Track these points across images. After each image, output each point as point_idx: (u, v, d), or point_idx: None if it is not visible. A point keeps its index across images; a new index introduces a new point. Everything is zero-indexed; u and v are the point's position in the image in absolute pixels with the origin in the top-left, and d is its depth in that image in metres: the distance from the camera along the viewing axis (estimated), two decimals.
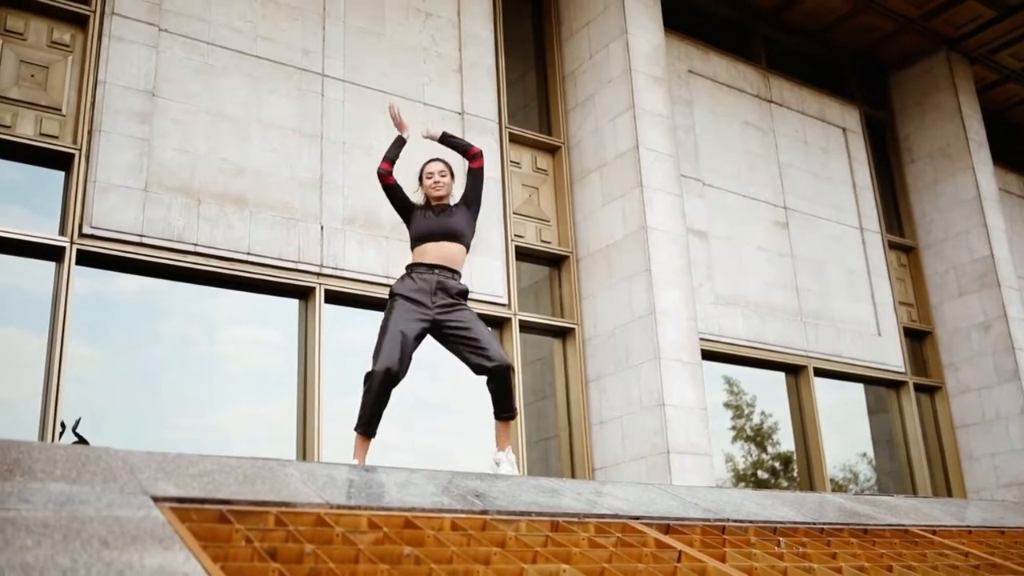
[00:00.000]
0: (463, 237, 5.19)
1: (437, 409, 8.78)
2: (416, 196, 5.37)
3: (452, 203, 5.32)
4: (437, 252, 5.10)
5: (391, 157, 5.34)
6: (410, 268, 5.12)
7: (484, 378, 5.07)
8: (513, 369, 5.07)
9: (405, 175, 5.40)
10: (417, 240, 5.18)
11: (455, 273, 5.11)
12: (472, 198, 5.33)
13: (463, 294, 5.11)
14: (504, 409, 5.12)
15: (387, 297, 5.15)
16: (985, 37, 12.74)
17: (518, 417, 8.54)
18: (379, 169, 5.30)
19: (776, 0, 11.87)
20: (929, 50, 13.02)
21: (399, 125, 5.47)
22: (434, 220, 5.16)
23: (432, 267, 5.06)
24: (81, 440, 6.47)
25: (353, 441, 4.97)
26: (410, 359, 4.94)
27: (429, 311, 4.98)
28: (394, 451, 8.36)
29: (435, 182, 5.24)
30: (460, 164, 5.84)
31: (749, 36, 12.21)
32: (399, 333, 4.88)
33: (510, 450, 5.26)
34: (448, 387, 8.88)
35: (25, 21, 7.24)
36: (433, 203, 5.27)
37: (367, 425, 4.89)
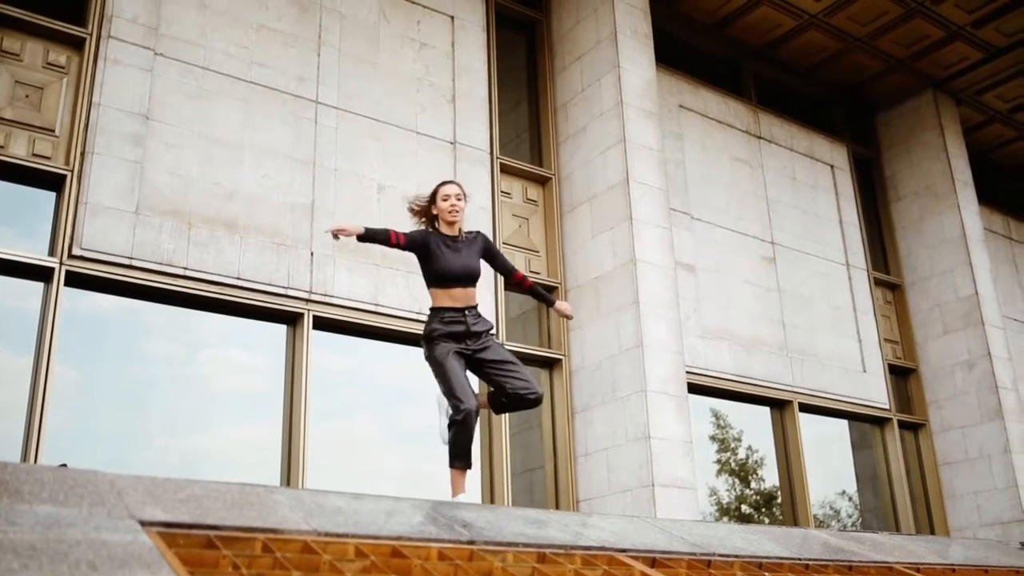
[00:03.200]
0: (479, 276, 5.37)
1: (420, 437, 8.76)
2: (413, 222, 5.45)
3: (463, 229, 5.40)
4: (464, 295, 5.26)
5: (382, 238, 5.30)
6: (438, 311, 5.24)
7: (502, 397, 5.29)
8: (540, 398, 5.31)
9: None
10: (440, 280, 5.25)
11: (476, 308, 5.31)
12: (494, 252, 5.55)
13: (489, 332, 5.31)
14: (503, 407, 5.36)
15: (425, 340, 5.30)
16: (972, 78, 12.92)
17: (503, 447, 8.55)
18: (390, 243, 5.28)
19: (767, 37, 12.02)
20: (917, 90, 13.19)
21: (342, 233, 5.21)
22: (456, 259, 5.25)
23: (460, 310, 5.23)
24: None
25: (449, 477, 5.18)
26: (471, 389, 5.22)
27: (467, 350, 5.21)
28: (377, 478, 8.33)
29: (452, 205, 5.29)
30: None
31: (740, 72, 12.34)
32: (460, 370, 5.14)
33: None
34: (432, 415, 8.86)
35: (21, 42, 7.26)
36: (444, 228, 5.33)
37: (467, 458, 5.16)
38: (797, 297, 11.42)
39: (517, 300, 9.45)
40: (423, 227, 5.44)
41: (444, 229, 5.33)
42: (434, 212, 5.37)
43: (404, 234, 5.31)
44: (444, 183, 5.43)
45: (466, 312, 5.22)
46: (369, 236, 5.23)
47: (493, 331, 5.40)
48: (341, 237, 5.13)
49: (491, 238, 9.15)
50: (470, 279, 5.27)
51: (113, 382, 7.34)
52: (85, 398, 7.12)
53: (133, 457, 7.20)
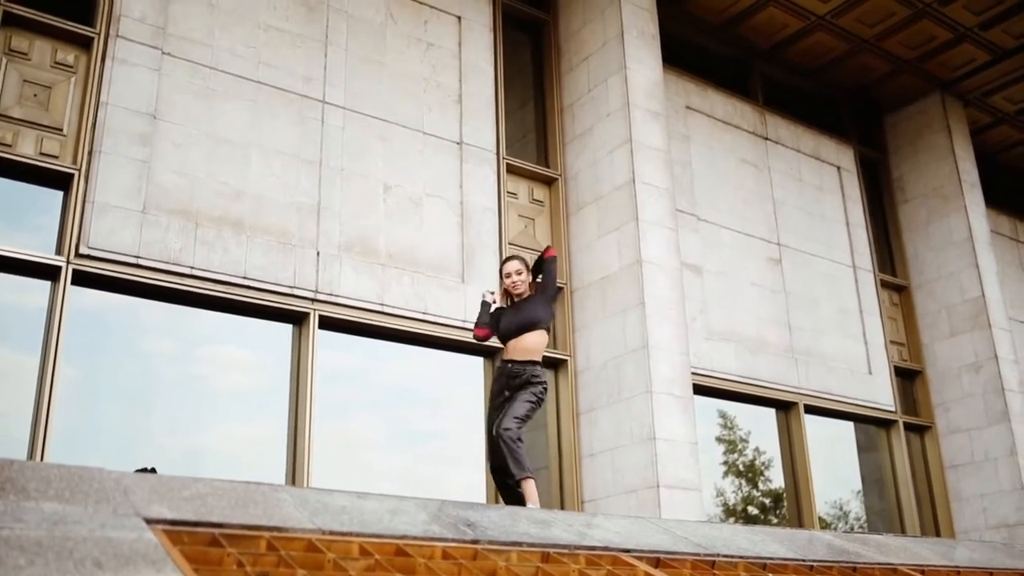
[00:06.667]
0: (541, 323, 6.06)
1: (425, 436, 8.78)
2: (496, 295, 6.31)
3: (532, 292, 6.15)
4: (513, 347, 6.02)
5: (482, 323, 6.17)
6: (501, 359, 6.16)
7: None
8: (503, 439, 5.78)
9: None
10: (502, 337, 6.09)
11: (525, 364, 5.99)
12: (546, 284, 6.19)
13: (528, 383, 5.97)
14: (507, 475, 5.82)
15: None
16: (979, 80, 12.89)
17: None
18: (476, 336, 6.21)
19: (774, 39, 12.00)
20: (924, 91, 13.16)
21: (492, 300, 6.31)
22: (511, 317, 6.07)
23: (506, 362, 6.03)
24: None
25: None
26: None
27: (503, 391, 6.02)
28: (382, 479, 8.35)
29: (512, 282, 6.11)
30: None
31: (747, 73, 12.33)
32: (494, 412, 6.00)
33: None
34: (436, 414, 8.88)
35: (30, 41, 7.29)
36: (514, 297, 6.17)
37: (508, 471, 5.81)
38: (803, 298, 11.41)
39: None
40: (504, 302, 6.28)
41: (514, 297, 6.21)
42: (504, 288, 6.23)
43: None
44: (506, 260, 6.29)
45: (509, 364, 5.98)
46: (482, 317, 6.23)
47: (532, 386, 6.00)
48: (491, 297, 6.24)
49: (497, 237, 9.16)
50: (520, 330, 5.99)
51: (119, 380, 7.36)
52: (91, 396, 7.14)
53: (139, 455, 7.22)
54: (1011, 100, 13.43)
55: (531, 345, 6.01)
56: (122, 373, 7.39)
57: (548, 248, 6.34)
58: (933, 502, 11.98)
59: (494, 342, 6.52)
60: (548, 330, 6.15)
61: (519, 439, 5.77)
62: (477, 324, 6.16)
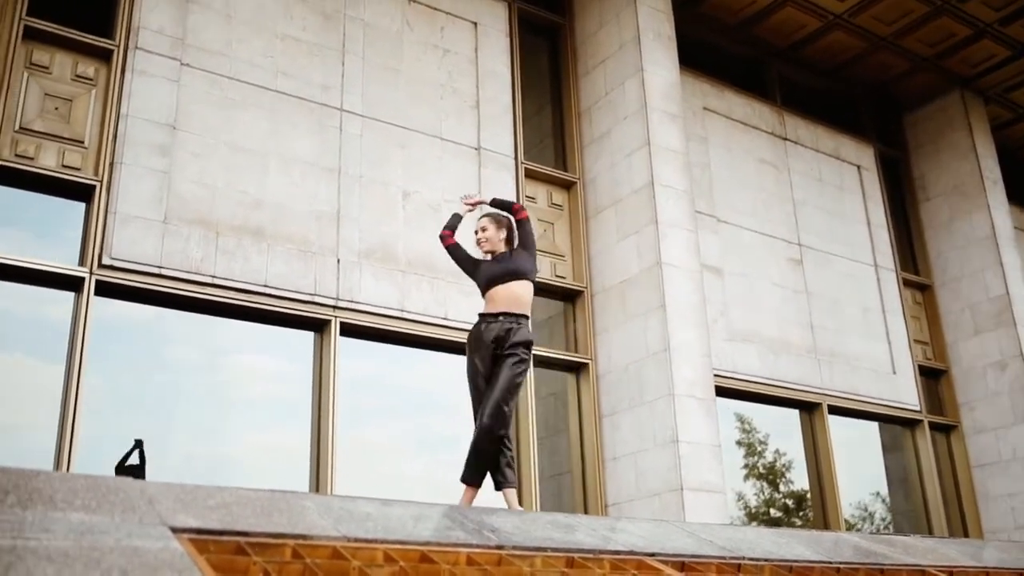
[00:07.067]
0: (528, 273, 5.53)
1: (447, 442, 8.78)
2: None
3: (510, 249, 5.66)
4: (505, 296, 5.43)
5: (450, 225, 5.81)
6: (481, 316, 5.48)
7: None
8: (490, 432, 5.17)
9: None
10: (486, 285, 5.52)
11: (519, 318, 5.41)
12: (525, 243, 5.65)
13: (525, 345, 5.37)
14: (495, 480, 5.32)
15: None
16: (999, 76, 12.79)
17: (531, 451, 8.51)
18: (440, 235, 5.81)
19: (791, 38, 11.96)
20: (944, 89, 13.07)
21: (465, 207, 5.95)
22: (497, 265, 5.53)
23: (497, 315, 5.39)
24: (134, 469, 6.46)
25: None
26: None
27: (488, 356, 5.35)
28: (405, 484, 8.35)
29: (478, 239, 5.66)
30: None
31: (764, 74, 12.29)
32: (476, 389, 5.36)
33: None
34: (458, 420, 8.88)
35: (50, 55, 7.35)
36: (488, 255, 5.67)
37: (469, 473, 5.28)
38: (825, 299, 11.34)
39: (543, 305, 9.44)
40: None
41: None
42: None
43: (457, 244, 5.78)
44: (477, 220, 5.80)
45: (501, 317, 5.39)
46: (494, 203, 5.82)
47: (523, 350, 5.39)
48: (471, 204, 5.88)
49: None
50: (510, 275, 5.46)
51: (143, 390, 7.40)
52: (116, 406, 7.19)
53: (163, 464, 7.25)
54: None
55: (524, 295, 5.46)
56: (145, 382, 7.43)
57: (517, 211, 5.69)
58: (960, 502, 11.87)
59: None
60: (533, 283, 5.59)
61: (507, 433, 5.24)
62: (444, 227, 5.77)
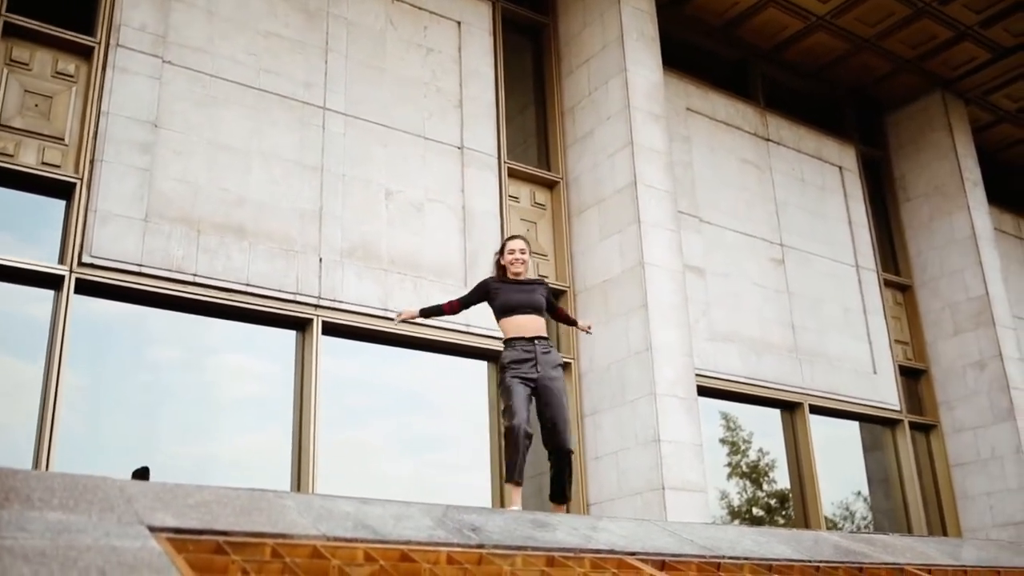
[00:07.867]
0: (543, 311, 5.87)
1: (430, 441, 8.77)
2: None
3: (529, 277, 5.93)
4: (533, 325, 5.73)
5: (436, 312, 6.01)
6: (512, 342, 5.74)
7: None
8: (573, 453, 5.78)
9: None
10: (509, 311, 5.78)
11: (549, 342, 5.78)
12: (548, 298, 6.00)
13: (562, 366, 5.81)
14: (555, 493, 5.83)
15: (499, 369, 5.80)
16: (980, 78, 12.88)
17: None
18: (452, 308, 6.00)
19: (774, 39, 12.00)
20: (925, 90, 13.15)
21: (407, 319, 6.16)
22: (524, 294, 5.78)
23: (532, 340, 5.69)
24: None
25: (505, 492, 5.69)
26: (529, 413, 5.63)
27: (534, 380, 5.63)
28: (387, 483, 8.34)
29: (515, 258, 5.83)
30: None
31: (747, 75, 12.33)
32: (522, 393, 5.57)
33: None
34: (441, 419, 8.88)
35: (31, 52, 7.30)
36: (511, 276, 5.87)
37: (512, 473, 5.56)
38: (806, 299, 11.39)
39: None
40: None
41: (511, 276, 5.88)
42: (502, 263, 5.93)
43: (458, 299, 5.95)
44: (512, 237, 6.05)
45: (536, 341, 5.68)
46: (426, 313, 5.97)
47: (563, 371, 5.83)
48: (401, 319, 6.08)
49: (499, 241, 9.16)
50: (534, 309, 5.75)
51: (123, 389, 7.36)
52: (95, 405, 7.15)
53: (143, 463, 7.22)
54: (1012, 98, 13.42)
55: (543, 326, 5.80)
56: (126, 381, 7.39)
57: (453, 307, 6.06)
58: (939, 501, 11.95)
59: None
60: None
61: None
62: (448, 302, 5.99)
